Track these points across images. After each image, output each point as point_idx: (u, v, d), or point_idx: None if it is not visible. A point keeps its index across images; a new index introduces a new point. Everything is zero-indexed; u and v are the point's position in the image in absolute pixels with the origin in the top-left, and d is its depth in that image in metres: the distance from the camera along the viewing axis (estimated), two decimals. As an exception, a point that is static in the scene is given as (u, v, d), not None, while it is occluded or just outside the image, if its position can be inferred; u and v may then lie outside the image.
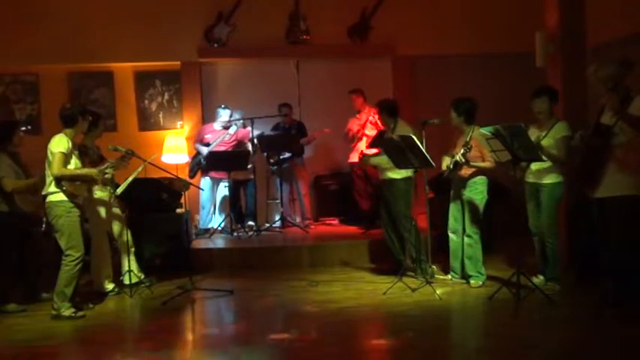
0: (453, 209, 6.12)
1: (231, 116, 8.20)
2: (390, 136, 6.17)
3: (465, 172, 5.91)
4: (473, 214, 5.94)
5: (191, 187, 6.93)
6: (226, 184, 8.23)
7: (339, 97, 8.72)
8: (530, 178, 5.71)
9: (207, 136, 8.17)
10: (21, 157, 5.94)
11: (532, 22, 7.21)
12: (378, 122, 7.65)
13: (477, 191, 5.93)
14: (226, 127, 8.15)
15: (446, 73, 8.81)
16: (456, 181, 6.03)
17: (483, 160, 5.83)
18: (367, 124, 7.97)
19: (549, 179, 5.61)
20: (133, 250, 6.34)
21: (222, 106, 8.30)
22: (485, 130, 5.33)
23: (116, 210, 6.32)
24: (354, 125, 8.08)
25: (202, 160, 8.11)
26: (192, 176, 8.17)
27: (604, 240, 5.04)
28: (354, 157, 8.07)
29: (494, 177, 6.19)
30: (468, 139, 5.82)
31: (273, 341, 4.82)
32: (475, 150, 5.79)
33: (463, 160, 5.74)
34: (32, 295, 5.99)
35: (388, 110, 6.45)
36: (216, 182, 8.22)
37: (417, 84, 8.85)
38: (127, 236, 6.23)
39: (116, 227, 6.34)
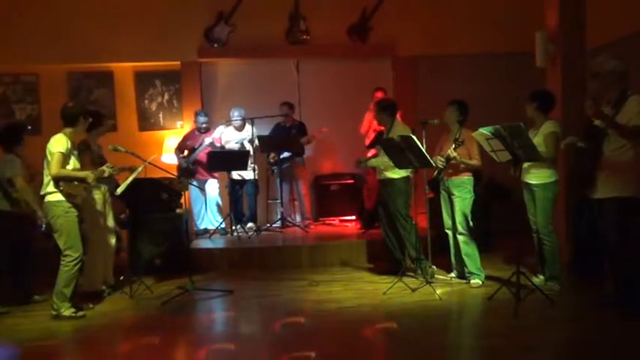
0: (445, 208, 6.18)
1: (208, 121, 8.19)
2: (390, 136, 6.17)
3: (455, 170, 5.96)
4: (463, 212, 6.00)
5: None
6: (215, 183, 8.21)
7: (339, 97, 8.74)
8: (524, 178, 5.74)
9: (188, 143, 8.14)
10: (25, 159, 5.97)
11: (532, 22, 7.21)
12: None
13: (466, 190, 6.01)
14: (202, 131, 8.10)
15: (446, 73, 8.81)
16: (445, 181, 6.07)
17: (470, 159, 5.90)
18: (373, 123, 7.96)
19: (541, 179, 5.64)
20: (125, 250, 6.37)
21: (199, 111, 8.31)
22: (486, 130, 5.34)
23: (109, 220, 6.33)
24: (372, 123, 8.05)
25: (190, 165, 8.07)
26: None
27: (603, 240, 5.04)
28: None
29: (492, 176, 6.22)
30: (457, 136, 5.91)
31: (273, 341, 4.82)
32: (463, 148, 5.88)
33: (454, 154, 5.79)
34: (24, 296, 6.00)
35: (386, 110, 6.47)
36: (201, 182, 8.19)
37: (417, 84, 8.86)
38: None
39: (112, 240, 6.35)
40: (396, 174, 6.28)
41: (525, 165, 5.62)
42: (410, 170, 6.20)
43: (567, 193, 6.37)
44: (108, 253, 6.33)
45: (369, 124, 8.05)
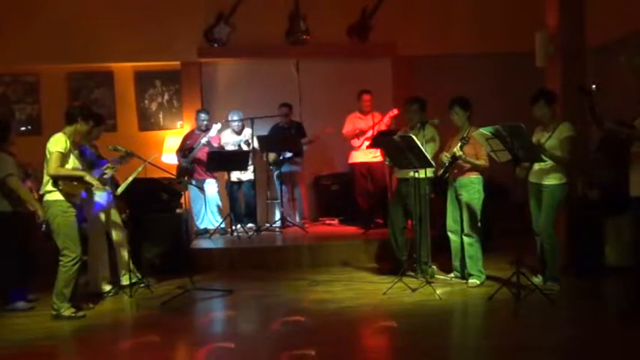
0: (451, 210, 6.11)
1: (208, 119, 8.18)
2: (390, 137, 6.17)
3: (461, 168, 5.92)
4: (472, 214, 5.94)
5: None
6: (213, 183, 8.22)
7: (339, 97, 8.72)
8: (532, 178, 5.72)
9: (188, 142, 8.13)
10: (17, 157, 5.94)
11: (532, 22, 7.21)
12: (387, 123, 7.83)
13: (474, 190, 5.94)
14: (202, 129, 8.09)
15: (446, 73, 8.81)
16: (453, 182, 6.03)
17: (477, 159, 5.86)
18: (379, 124, 7.91)
19: (551, 180, 5.61)
20: (127, 249, 6.34)
21: (201, 109, 8.32)
22: (486, 130, 5.34)
23: (115, 216, 6.31)
24: (360, 125, 8.02)
25: (189, 164, 8.06)
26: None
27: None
28: (357, 157, 8.04)
29: (492, 176, 6.21)
30: (465, 134, 5.86)
31: (273, 341, 4.82)
32: (471, 148, 5.83)
33: (460, 152, 5.75)
34: (21, 296, 5.99)
35: (424, 109, 6.32)
36: (200, 182, 8.17)
37: (417, 84, 8.85)
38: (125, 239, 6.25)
39: (114, 234, 6.32)
40: (430, 172, 6.12)
41: (536, 166, 5.60)
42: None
43: (569, 193, 6.36)
44: (119, 253, 6.33)
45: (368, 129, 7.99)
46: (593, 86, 4.84)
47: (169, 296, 5.95)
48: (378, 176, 8.00)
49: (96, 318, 5.52)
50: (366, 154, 7.95)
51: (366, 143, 7.90)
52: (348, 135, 8.08)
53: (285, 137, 8.26)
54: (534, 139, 5.57)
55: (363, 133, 7.95)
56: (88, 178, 5.50)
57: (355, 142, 8.04)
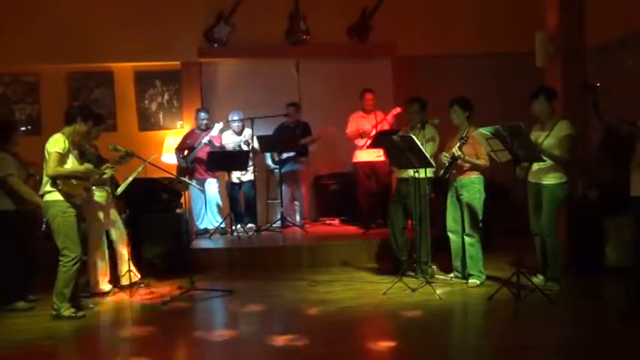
0: (452, 210, 6.10)
1: (208, 118, 8.18)
2: (390, 137, 6.16)
3: (460, 169, 5.90)
4: (473, 214, 5.93)
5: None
6: (214, 182, 8.21)
7: (339, 96, 8.73)
8: (531, 178, 5.71)
9: (188, 142, 8.13)
10: (20, 157, 5.95)
11: (532, 22, 7.21)
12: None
13: (475, 190, 5.93)
14: (202, 129, 8.09)
15: (446, 73, 8.81)
16: (453, 182, 6.02)
17: (477, 159, 5.85)
18: (382, 123, 7.92)
19: (551, 180, 5.61)
20: (127, 250, 6.33)
21: (201, 108, 8.32)
22: (486, 130, 5.33)
23: (114, 215, 6.31)
24: (363, 124, 8.03)
25: (189, 164, 8.06)
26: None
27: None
28: (361, 157, 8.03)
29: (492, 176, 6.22)
30: (464, 134, 5.85)
31: (274, 341, 4.82)
32: (470, 147, 5.82)
33: (459, 152, 5.75)
34: (20, 296, 5.99)
35: (425, 108, 6.33)
36: (200, 182, 8.18)
37: (417, 84, 8.85)
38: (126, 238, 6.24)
39: (114, 234, 6.32)
40: (430, 172, 6.13)
41: (535, 166, 5.60)
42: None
43: (568, 192, 6.36)
44: (119, 253, 6.33)
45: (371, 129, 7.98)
46: (598, 84, 4.89)
47: (169, 296, 5.95)
48: (382, 175, 8.00)
49: (96, 318, 5.53)
50: (370, 154, 7.94)
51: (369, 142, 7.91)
52: (351, 135, 8.07)
53: (284, 137, 8.25)
54: (531, 138, 5.56)
55: (367, 134, 7.93)
56: (91, 170, 5.49)
57: (359, 142, 8.03)
